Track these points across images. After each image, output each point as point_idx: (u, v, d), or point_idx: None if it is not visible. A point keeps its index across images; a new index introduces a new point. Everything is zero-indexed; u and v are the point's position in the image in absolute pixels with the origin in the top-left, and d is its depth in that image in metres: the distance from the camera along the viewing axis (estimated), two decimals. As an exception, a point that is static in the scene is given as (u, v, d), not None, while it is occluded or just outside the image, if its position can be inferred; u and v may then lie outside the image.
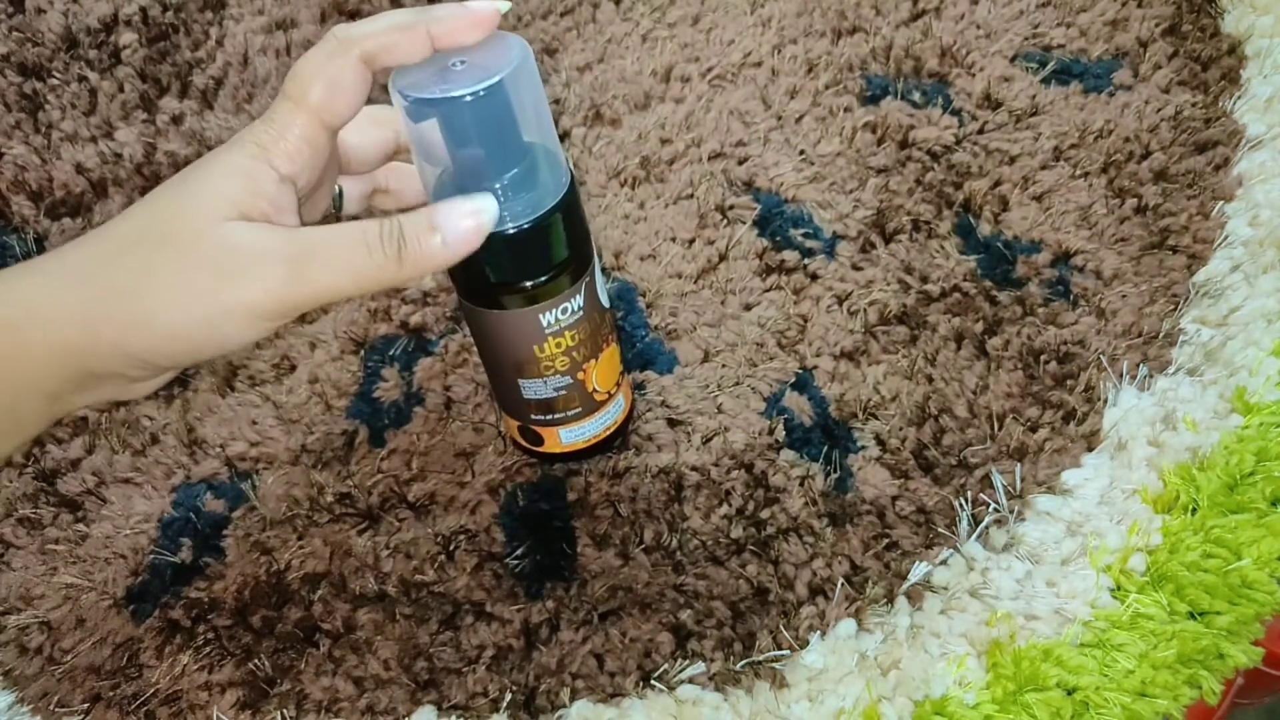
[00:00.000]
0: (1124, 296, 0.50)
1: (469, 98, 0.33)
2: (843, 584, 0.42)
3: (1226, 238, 0.51)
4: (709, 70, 0.64)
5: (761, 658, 0.41)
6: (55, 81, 0.70)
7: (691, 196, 0.58)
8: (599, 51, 0.67)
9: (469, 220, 0.33)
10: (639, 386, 0.50)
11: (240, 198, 0.32)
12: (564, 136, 0.62)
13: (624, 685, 0.41)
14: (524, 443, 0.46)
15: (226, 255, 0.32)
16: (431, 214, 0.33)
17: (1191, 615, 0.40)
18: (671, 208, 0.57)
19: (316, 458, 0.49)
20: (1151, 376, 0.47)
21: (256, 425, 0.51)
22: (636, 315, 0.53)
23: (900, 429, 0.47)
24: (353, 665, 0.43)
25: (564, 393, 0.42)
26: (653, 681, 0.41)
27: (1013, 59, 0.62)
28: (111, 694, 0.43)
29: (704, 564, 0.44)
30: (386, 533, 0.46)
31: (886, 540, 0.44)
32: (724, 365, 0.50)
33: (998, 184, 0.56)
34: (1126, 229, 0.53)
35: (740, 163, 0.59)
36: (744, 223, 0.56)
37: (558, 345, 0.40)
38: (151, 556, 0.47)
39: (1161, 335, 0.48)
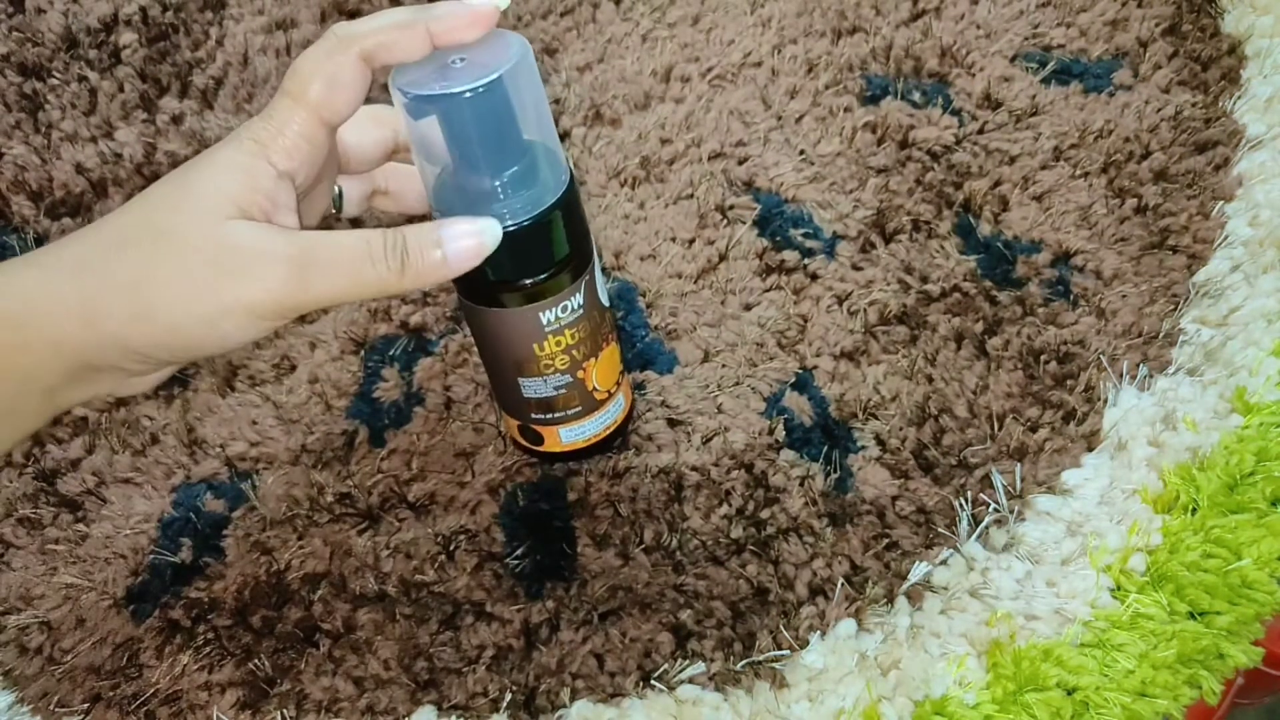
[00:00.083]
0: (1124, 296, 0.50)
1: (468, 94, 0.33)
2: (843, 584, 0.42)
3: (1226, 238, 0.51)
4: (709, 70, 0.64)
5: (761, 658, 0.41)
6: (55, 81, 0.70)
7: (691, 196, 0.58)
8: (599, 51, 0.67)
9: (471, 239, 0.34)
10: (639, 386, 0.50)
11: (239, 194, 0.32)
12: (564, 136, 0.62)
13: (624, 685, 0.41)
14: (524, 442, 0.46)
15: (227, 254, 0.32)
16: (435, 230, 0.34)
17: (1191, 615, 0.40)
18: (671, 208, 0.57)
19: (316, 458, 0.49)
20: (1151, 376, 0.47)
21: (256, 425, 0.51)
22: (636, 315, 0.53)
23: (900, 429, 0.47)
24: (353, 665, 0.43)
25: (564, 391, 0.42)
26: (653, 681, 0.41)
27: (1013, 59, 0.62)
28: (111, 694, 0.43)
29: (704, 564, 0.44)
30: (386, 533, 0.46)
31: (886, 540, 0.44)
32: (724, 365, 0.50)
33: (998, 184, 0.56)
34: (1126, 229, 0.53)
35: (740, 163, 0.59)
36: (744, 223, 0.56)
37: (557, 344, 0.40)
38: (151, 556, 0.47)
39: (1161, 335, 0.48)
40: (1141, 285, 0.50)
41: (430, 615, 0.44)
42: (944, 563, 0.43)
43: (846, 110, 0.61)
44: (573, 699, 0.41)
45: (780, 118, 0.61)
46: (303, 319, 0.55)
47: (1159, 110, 0.58)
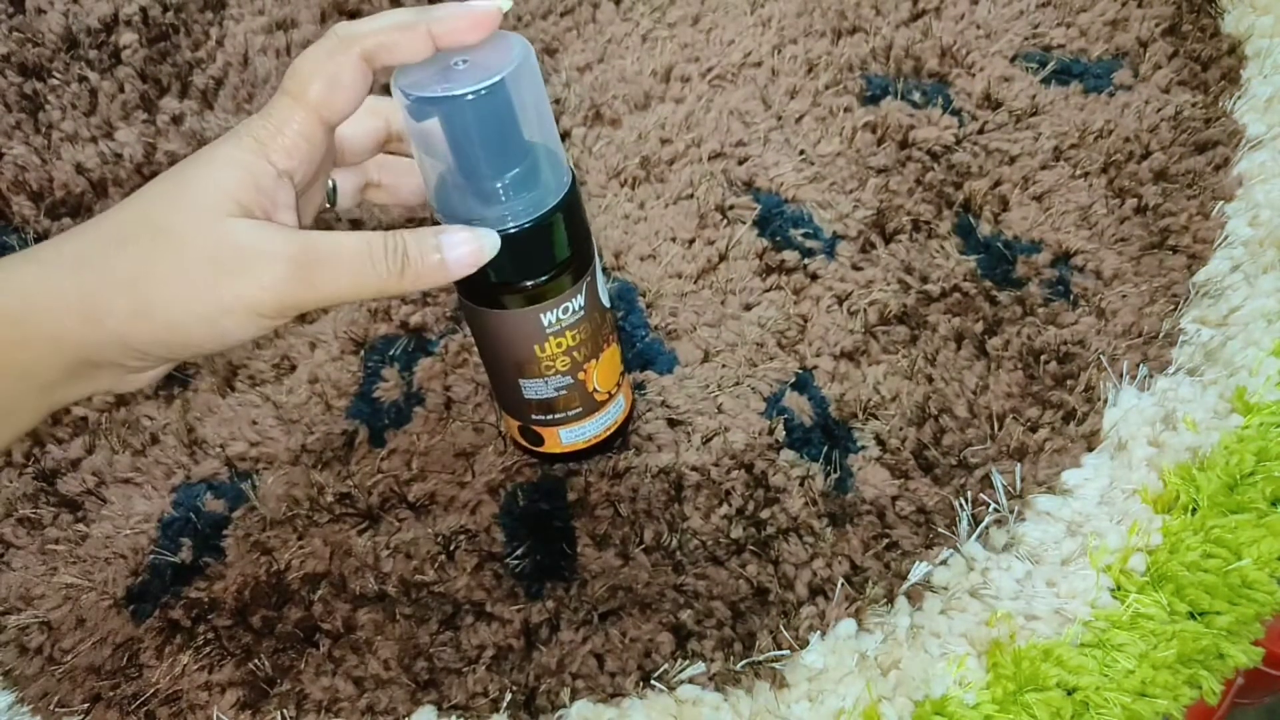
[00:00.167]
0: (1124, 296, 0.50)
1: (471, 96, 0.33)
2: (843, 584, 0.42)
3: (1226, 238, 0.51)
4: (709, 70, 0.64)
5: (761, 658, 0.41)
6: (55, 82, 0.70)
7: (691, 196, 0.58)
8: (599, 51, 0.67)
9: (471, 246, 0.34)
10: (639, 386, 0.50)
11: (239, 192, 0.32)
12: (564, 136, 0.62)
13: (624, 685, 0.41)
14: (524, 443, 0.46)
15: (227, 252, 0.32)
16: (436, 235, 0.34)
17: (1191, 615, 0.40)
18: (671, 208, 0.58)
19: (316, 458, 0.49)
20: (1151, 376, 0.47)
21: (256, 425, 0.51)
22: (636, 315, 0.53)
23: (900, 429, 0.47)
24: (353, 665, 0.43)
25: (564, 393, 0.42)
26: (653, 681, 0.41)
27: (1013, 59, 0.62)
28: (111, 694, 0.43)
29: (704, 564, 0.44)
30: (386, 533, 0.46)
31: (886, 540, 0.44)
32: (724, 365, 0.50)
33: (998, 184, 0.56)
34: (1126, 229, 0.53)
35: (740, 163, 0.59)
36: (744, 223, 0.56)
37: (558, 345, 0.40)
38: (151, 556, 0.47)
39: (1161, 335, 0.48)
40: (1141, 285, 0.50)
41: (430, 615, 0.44)
42: (944, 563, 0.43)
43: (846, 110, 0.61)
44: (573, 699, 0.41)
45: (780, 118, 0.61)
46: (302, 319, 0.55)
47: (1159, 110, 0.58)
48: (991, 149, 0.57)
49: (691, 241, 0.56)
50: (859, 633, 0.41)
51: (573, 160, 0.61)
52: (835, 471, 0.46)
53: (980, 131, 0.59)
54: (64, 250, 0.33)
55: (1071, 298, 0.51)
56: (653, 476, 0.47)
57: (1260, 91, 0.57)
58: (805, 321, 0.52)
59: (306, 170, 0.34)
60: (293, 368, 0.53)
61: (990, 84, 0.61)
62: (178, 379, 0.53)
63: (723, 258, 0.55)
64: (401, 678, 0.42)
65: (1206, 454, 0.44)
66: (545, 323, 0.39)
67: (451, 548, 0.46)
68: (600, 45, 0.67)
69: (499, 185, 0.35)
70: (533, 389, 0.42)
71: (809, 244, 0.55)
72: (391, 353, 0.53)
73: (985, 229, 0.54)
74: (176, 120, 0.67)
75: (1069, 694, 0.38)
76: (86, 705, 0.43)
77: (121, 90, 0.69)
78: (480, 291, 0.39)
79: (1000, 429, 0.46)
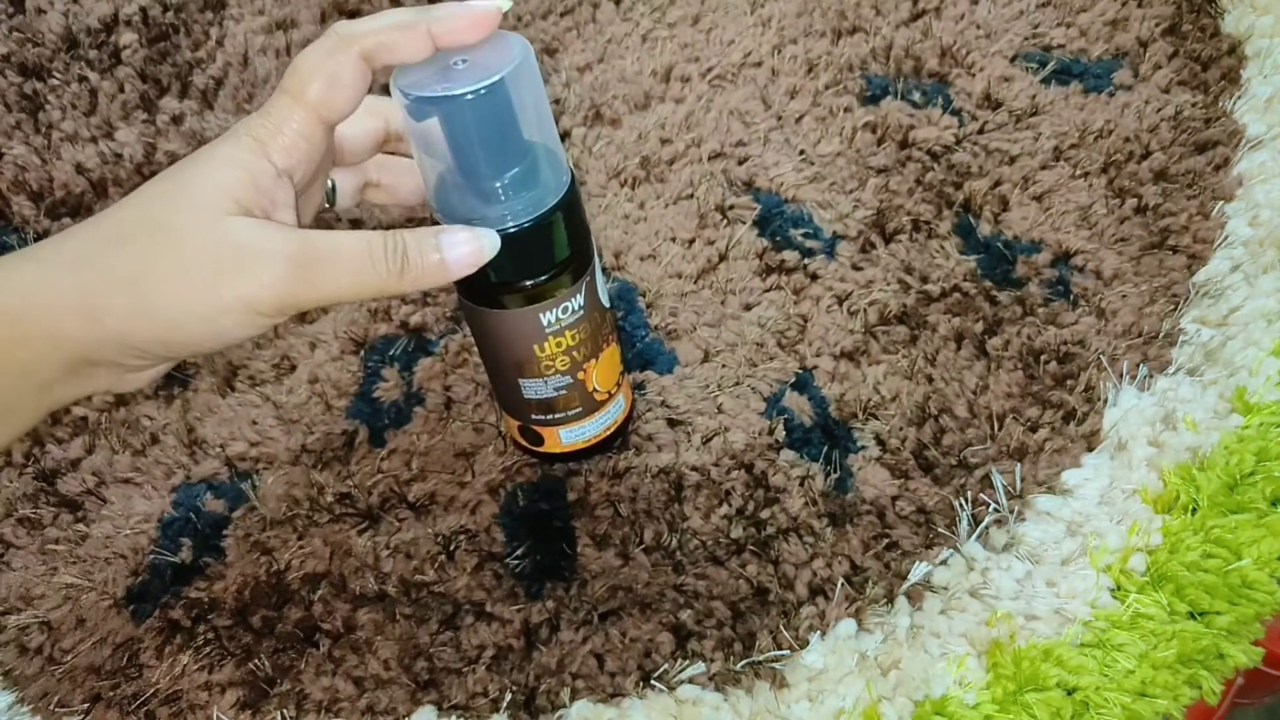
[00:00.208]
0: (1124, 296, 0.50)
1: (470, 96, 0.33)
2: (843, 584, 0.42)
3: (1226, 238, 0.51)
4: (709, 70, 0.64)
5: (761, 658, 0.41)
6: (55, 82, 0.70)
7: (691, 196, 0.58)
8: (599, 51, 0.67)
9: (471, 246, 0.34)
10: (639, 386, 0.50)
11: (238, 191, 0.32)
12: (564, 136, 0.62)
13: (624, 685, 0.41)
14: (524, 443, 0.46)
15: (227, 251, 0.32)
16: (436, 235, 0.34)
17: (1191, 615, 0.40)
18: (671, 208, 0.58)
19: (316, 458, 0.49)
20: (1151, 376, 0.47)
21: (256, 425, 0.51)
22: (636, 315, 0.53)
23: (900, 429, 0.47)
24: (353, 665, 0.43)
25: (564, 392, 0.42)
26: (653, 681, 0.41)
27: (1013, 59, 0.62)
28: (111, 694, 0.43)
29: (704, 564, 0.44)
30: (386, 533, 0.46)
31: (886, 540, 0.44)
32: (724, 365, 0.50)
33: (998, 184, 0.56)
34: (1126, 229, 0.53)
35: (740, 163, 0.59)
36: (744, 223, 0.56)
37: (558, 345, 0.40)
38: (151, 556, 0.47)
39: (1161, 335, 0.48)
40: (1141, 285, 0.50)
41: (430, 615, 0.44)
42: (944, 563, 0.43)
43: (846, 110, 0.61)
44: (573, 699, 0.41)
45: (780, 118, 0.61)
46: (302, 319, 0.55)
47: (1159, 110, 0.58)
48: (991, 149, 0.57)
49: (691, 241, 0.56)
50: (859, 633, 0.41)
51: (573, 160, 0.61)
52: (835, 471, 0.46)
53: (980, 131, 0.59)
54: (64, 249, 0.33)
55: (1071, 298, 0.51)
56: (653, 476, 0.47)
57: (1260, 91, 0.57)
58: (805, 321, 0.52)
59: (306, 169, 0.34)
60: (293, 368, 0.53)
61: (990, 84, 0.61)
62: (177, 379, 0.53)
63: (723, 258, 0.55)
64: (401, 678, 0.42)
65: (1206, 454, 0.44)
66: (545, 322, 0.39)
67: (451, 548, 0.46)
68: (600, 45, 0.67)
69: (498, 185, 0.35)
70: (532, 389, 0.42)
71: (809, 244, 0.55)
72: (391, 353, 0.53)
73: (985, 229, 0.54)
74: (176, 120, 0.67)
75: (1069, 694, 0.38)
76: (86, 705, 0.43)
77: (121, 90, 0.69)
78: (480, 291, 0.39)
79: (1000, 429, 0.46)
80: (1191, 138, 0.56)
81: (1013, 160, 0.57)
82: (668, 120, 0.62)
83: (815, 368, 0.50)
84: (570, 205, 0.37)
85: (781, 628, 0.41)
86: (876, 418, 0.48)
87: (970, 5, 0.65)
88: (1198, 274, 0.50)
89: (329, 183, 0.39)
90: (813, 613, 0.42)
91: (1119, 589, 0.41)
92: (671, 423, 0.49)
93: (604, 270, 0.55)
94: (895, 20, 0.65)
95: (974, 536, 0.43)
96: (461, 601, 0.44)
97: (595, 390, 0.43)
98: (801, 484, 0.46)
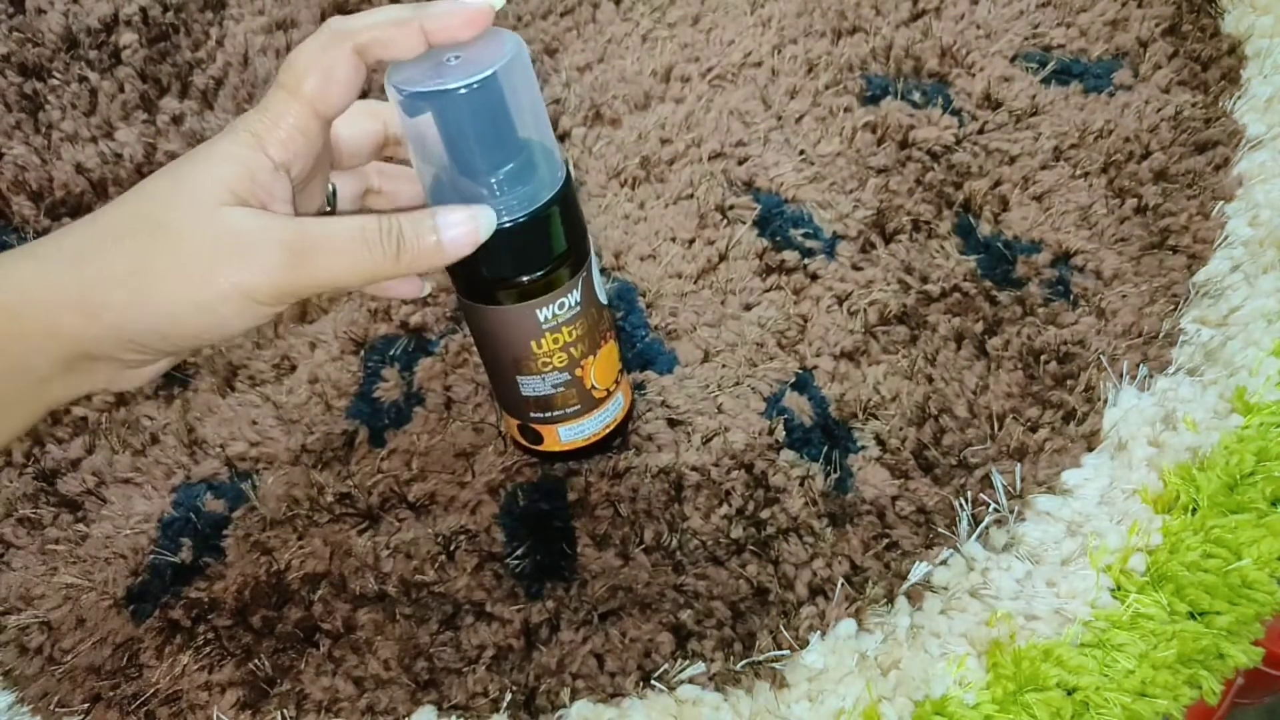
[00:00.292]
0: (1124, 296, 0.50)
1: (463, 90, 0.33)
2: (843, 584, 0.42)
3: (1226, 238, 0.51)
4: (709, 70, 0.64)
5: (761, 658, 0.41)
6: (55, 82, 0.70)
7: (691, 196, 0.58)
8: (599, 51, 0.67)
9: (467, 225, 0.34)
10: (639, 386, 0.50)
11: (236, 184, 0.32)
12: (564, 136, 0.62)
13: (624, 685, 0.41)
14: (524, 442, 0.46)
15: (224, 240, 0.32)
16: (431, 216, 0.34)
17: (1191, 615, 0.40)
18: (671, 208, 0.57)
19: (316, 458, 0.49)
20: (1151, 376, 0.47)
21: (256, 425, 0.51)
22: (636, 315, 0.53)
23: (900, 429, 0.47)
24: (353, 665, 0.43)
25: (562, 390, 0.42)
26: (653, 681, 0.41)
27: (1013, 59, 0.62)
28: (111, 694, 0.43)
29: (704, 564, 0.44)
30: (386, 533, 0.46)
31: (886, 540, 0.44)
32: (724, 365, 0.50)
33: (998, 184, 0.56)
34: (1126, 229, 0.53)
35: (740, 163, 0.59)
36: (744, 223, 0.56)
37: (555, 341, 0.40)
38: (151, 556, 0.47)
39: (1161, 335, 0.48)
40: (1141, 285, 0.50)
41: (430, 615, 0.44)
42: (944, 563, 0.43)
43: (846, 110, 0.61)
44: (573, 699, 0.41)
45: (780, 118, 0.61)
46: (303, 318, 0.55)
47: (1159, 110, 0.58)
48: (991, 149, 0.57)
49: (691, 241, 0.56)
50: (859, 633, 0.41)
51: (573, 160, 0.61)
52: (835, 471, 0.46)
53: (980, 131, 0.59)
54: (62, 245, 0.33)
55: (1071, 298, 0.51)
56: (653, 476, 0.47)
57: (1260, 91, 0.57)
58: (805, 321, 0.52)
59: (303, 164, 0.34)
60: (293, 368, 0.53)
61: (990, 84, 0.61)
62: (177, 379, 0.53)
63: (723, 258, 0.55)
64: (401, 678, 0.42)
65: (1206, 454, 0.44)
66: (541, 318, 0.39)
67: (451, 548, 0.46)
68: (600, 45, 0.67)
69: (492, 180, 0.35)
70: (530, 386, 0.42)
71: (809, 244, 0.55)
72: (391, 353, 0.53)
73: (985, 229, 0.54)
74: (176, 120, 0.67)
75: (1069, 694, 0.38)
76: (86, 705, 0.43)
77: (121, 90, 0.69)
78: (476, 287, 0.39)
79: (1000, 429, 0.46)
80: (1191, 138, 0.56)
81: (1013, 160, 0.57)
82: (668, 120, 0.62)
83: (815, 368, 0.50)
84: (565, 200, 0.37)
85: (781, 628, 0.41)
86: (876, 418, 0.48)
87: (970, 5, 0.65)
88: (1198, 274, 0.50)
89: (330, 186, 0.39)
90: (813, 613, 0.42)
91: (1119, 589, 0.41)
92: (671, 423, 0.49)
93: (604, 270, 0.55)
94: (895, 20, 0.65)
95: (974, 536, 0.43)
96: (461, 601, 0.44)
97: (593, 387, 0.43)
98: (801, 484, 0.46)
